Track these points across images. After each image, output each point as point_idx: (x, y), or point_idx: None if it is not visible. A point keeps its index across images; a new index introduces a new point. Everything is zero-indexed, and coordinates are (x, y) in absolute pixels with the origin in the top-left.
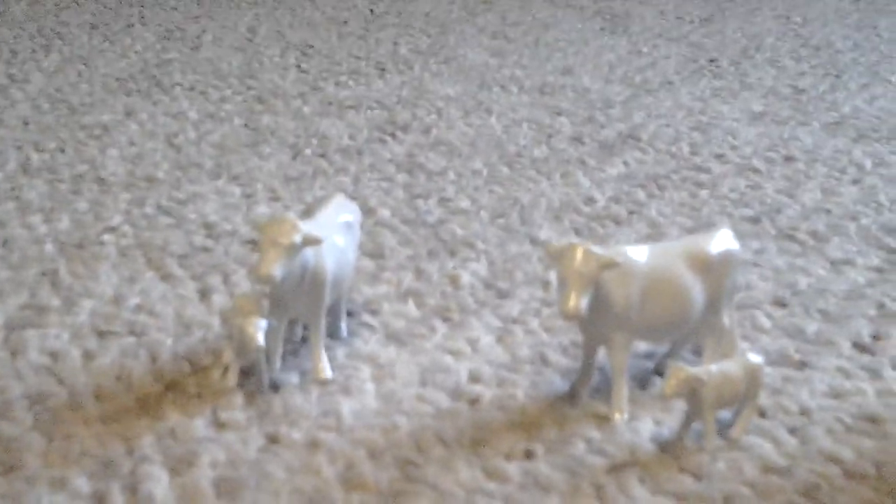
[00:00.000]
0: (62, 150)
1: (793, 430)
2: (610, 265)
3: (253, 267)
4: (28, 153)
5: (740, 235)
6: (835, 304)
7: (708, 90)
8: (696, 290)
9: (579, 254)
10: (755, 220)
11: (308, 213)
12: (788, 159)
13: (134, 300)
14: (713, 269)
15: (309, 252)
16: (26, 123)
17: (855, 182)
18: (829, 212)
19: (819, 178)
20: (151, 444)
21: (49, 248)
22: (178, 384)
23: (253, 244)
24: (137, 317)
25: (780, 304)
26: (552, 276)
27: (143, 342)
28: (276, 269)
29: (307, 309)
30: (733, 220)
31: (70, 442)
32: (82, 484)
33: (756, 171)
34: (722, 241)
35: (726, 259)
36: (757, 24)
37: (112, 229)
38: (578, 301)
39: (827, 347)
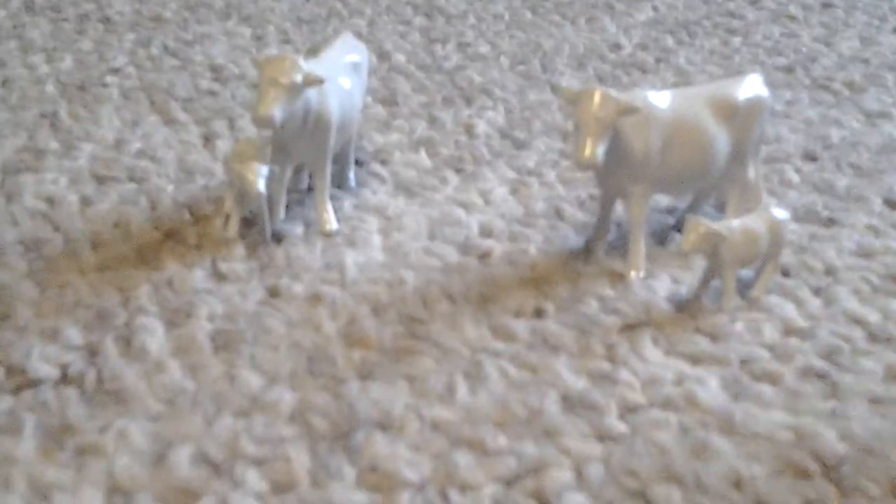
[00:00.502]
0: None
1: (817, 291)
2: (629, 111)
3: (251, 107)
4: None
5: (772, 85)
6: (868, 158)
7: None
8: (721, 139)
9: (597, 98)
10: (789, 70)
11: (313, 52)
12: (826, 6)
13: (135, 145)
14: (739, 117)
15: (312, 93)
16: None
17: (895, 31)
18: (866, 61)
19: (858, 26)
20: (148, 295)
21: (50, 88)
22: (177, 233)
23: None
24: (138, 162)
25: (811, 157)
26: (570, 125)
27: (143, 188)
28: (276, 109)
29: (311, 154)
30: (766, 69)
31: (64, 291)
32: (74, 335)
33: (792, 17)
34: (750, 87)
35: (754, 106)
36: None
37: (116, 70)
38: (595, 148)
39: (857, 203)
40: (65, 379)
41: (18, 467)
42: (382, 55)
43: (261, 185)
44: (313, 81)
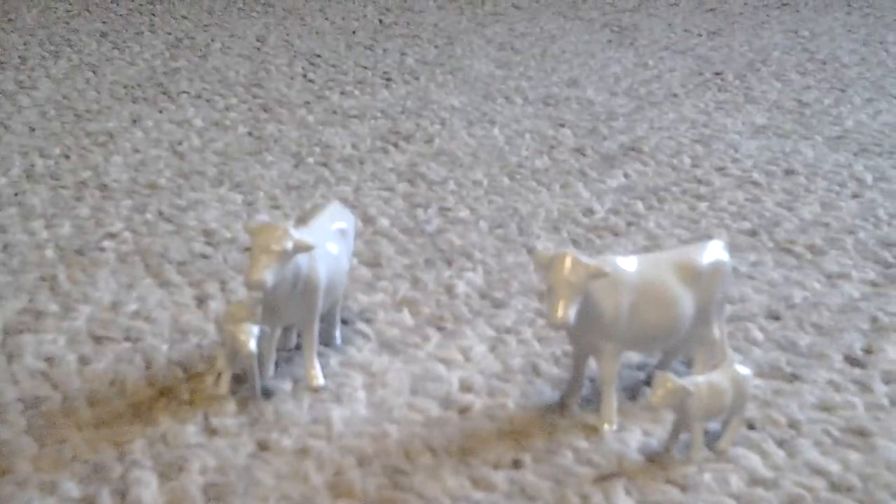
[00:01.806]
0: (67, 157)
1: (781, 443)
2: (598, 275)
3: (244, 273)
4: (33, 159)
5: (737, 248)
6: (828, 317)
7: (712, 103)
8: (686, 301)
9: (568, 262)
10: (753, 233)
11: (302, 220)
12: (789, 173)
13: (131, 306)
14: (703, 280)
15: (302, 259)
16: (32, 129)
17: (854, 196)
18: (827, 225)
19: (819, 191)
20: (142, 449)
21: (49, 253)
22: (171, 390)
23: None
24: (134, 323)
25: (774, 316)
26: (544, 286)
27: (138, 348)
28: (267, 274)
29: (300, 316)
30: (731, 233)
31: (62, 446)
32: (72, 488)
33: (756, 184)
34: (712, 252)
35: (716, 270)
36: (765, 38)
37: (112, 235)
38: (566, 310)
39: (819, 360)
40: None
41: None
42: (367, 219)
43: (252, 345)
44: (303, 248)
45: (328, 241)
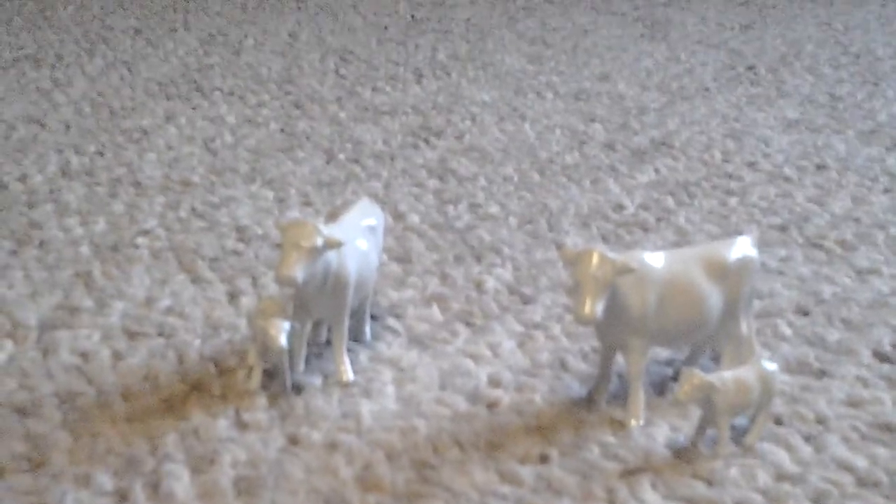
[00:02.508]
0: (101, 154)
1: (808, 438)
2: (625, 270)
3: (275, 269)
4: (68, 156)
5: (767, 244)
6: (858, 313)
7: (744, 97)
8: (714, 297)
9: (595, 258)
10: (783, 229)
11: (332, 216)
12: (820, 167)
13: (164, 302)
14: (731, 276)
15: (332, 255)
16: (68, 127)
17: (886, 191)
18: (858, 220)
19: (850, 186)
20: (175, 443)
21: (84, 249)
22: (203, 385)
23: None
24: (167, 318)
25: (803, 312)
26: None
27: (171, 343)
28: (297, 270)
29: (330, 311)
30: (761, 228)
31: (96, 440)
32: (106, 481)
33: (787, 179)
34: (740, 247)
35: (744, 266)
36: (798, 31)
37: (146, 232)
38: (593, 306)
39: (847, 356)
40: None
41: None
42: (398, 215)
43: (283, 341)
44: (333, 244)
45: (358, 237)
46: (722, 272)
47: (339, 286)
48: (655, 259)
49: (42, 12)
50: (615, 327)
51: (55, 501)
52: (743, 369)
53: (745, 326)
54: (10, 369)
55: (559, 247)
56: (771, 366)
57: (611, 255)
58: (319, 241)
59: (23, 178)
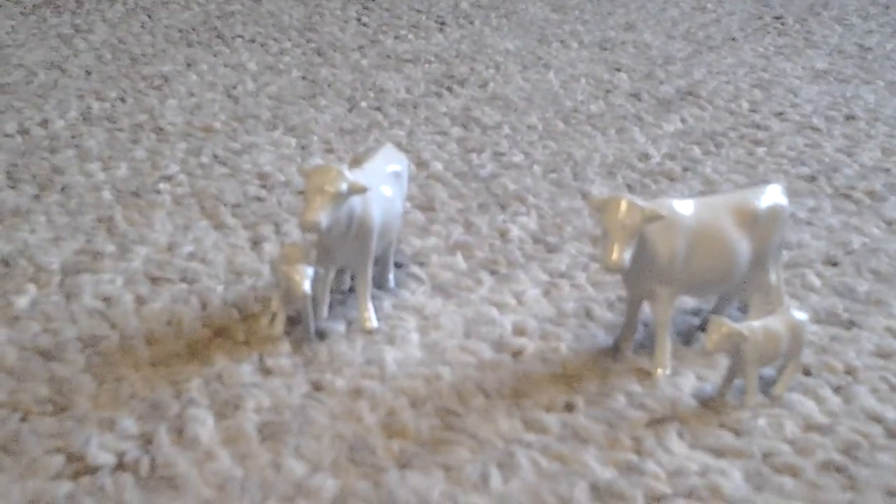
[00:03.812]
0: (123, 100)
1: (837, 389)
2: (654, 218)
3: (299, 214)
4: (89, 102)
5: (796, 194)
6: (887, 263)
7: (771, 47)
8: (743, 245)
9: (623, 206)
10: (812, 179)
11: (356, 162)
12: (849, 118)
13: (187, 248)
14: (760, 225)
15: (356, 201)
16: (89, 73)
17: None
18: (887, 171)
19: (879, 137)
20: (199, 388)
21: (106, 195)
22: (226, 330)
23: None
24: (190, 264)
25: (832, 262)
26: (599, 230)
27: (194, 289)
28: (322, 216)
29: (354, 258)
30: (789, 179)
31: (120, 384)
32: (130, 425)
33: (816, 129)
34: (770, 196)
35: (774, 214)
36: None
37: (168, 178)
38: (621, 254)
39: (876, 307)
40: (121, 466)
41: None
42: (421, 164)
43: (306, 287)
44: (357, 190)
45: (382, 183)
46: (752, 220)
47: (363, 232)
48: (684, 207)
49: None
50: (643, 276)
51: (80, 444)
52: (772, 319)
53: (774, 276)
54: (33, 313)
55: (584, 196)
56: (801, 315)
57: (639, 202)
58: (344, 187)
59: (44, 124)
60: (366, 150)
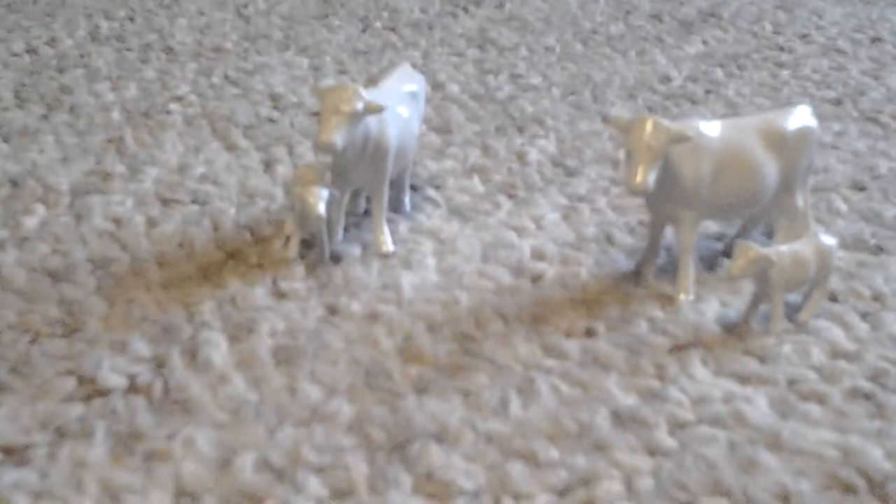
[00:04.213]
0: (131, 19)
1: (864, 315)
2: (680, 139)
3: (314, 135)
4: (97, 21)
5: (821, 117)
6: None
7: None
8: (770, 168)
9: (648, 126)
10: (837, 102)
11: (372, 81)
12: (876, 40)
13: (198, 169)
14: (788, 147)
15: (372, 121)
16: None
17: None
18: None
19: None
20: (212, 311)
21: (116, 115)
22: (239, 253)
23: (319, 115)
24: (201, 186)
25: (859, 187)
26: (621, 153)
27: (206, 211)
28: (337, 136)
29: (370, 179)
30: (814, 102)
31: (131, 306)
32: (142, 347)
33: (841, 51)
34: (799, 117)
35: (803, 136)
36: None
37: (179, 98)
38: (646, 175)
39: None
40: (133, 388)
41: (90, 471)
42: (436, 85)
43: (321, 209)
44: (374, 109)
45: (399, 103)
46: (779, 143)
47: (379, 153)
48: (711, 128)
49: None
50: (667, 199)
51: (91, 367)
52: (799, 243)
53: (801, 200)
54: (42, 234)
55: (605, 118)
56: (829, 240)
57: (665, 123)
58: (360, 106)
59: (52, 42)
60: (382, 70)
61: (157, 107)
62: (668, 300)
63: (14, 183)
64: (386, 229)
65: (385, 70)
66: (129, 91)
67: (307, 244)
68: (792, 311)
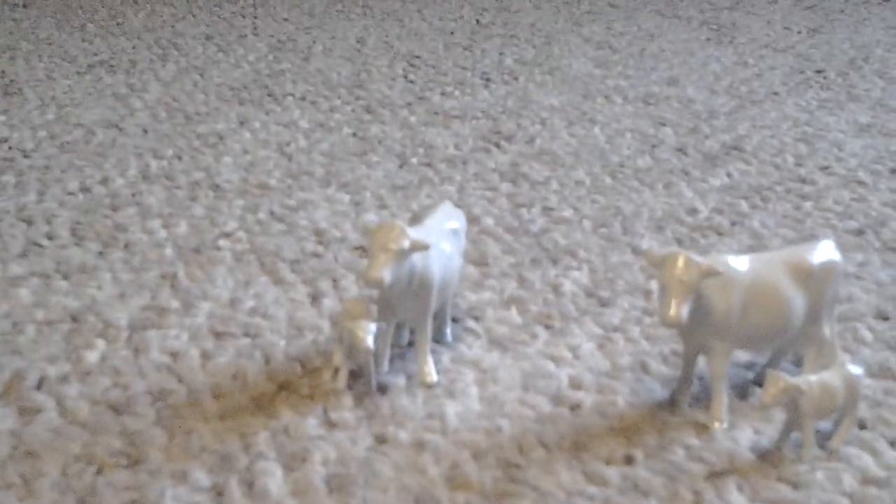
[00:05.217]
0: (179, 158)
1: (893, 443)
2: (711, 273)
3: (363, 271)
4: (147, 160)
5: (844, 248)
6: None
7: (814, 101)
8: (797, 300)
9: (681, 262)
10: (859, 233)
11: (415, 219)
12: (895, 171)
13: (249, 303)
14: (814, 280)
15: (417, 257)
16: (145, 131)
17: None
18: None
19: None
20: (266, 441)
21: (168, 251)
22: (290, 384)
23: (361, 250)
24: (252, 319)
25: (883, 316)
26: (653, 285)
27: (257, 343)
28: (386, 273)
29: (414, 313)
30: (837, 233)
31: (190, 437)
32: (202, 477)
33: (861, 183)
34: (823, 251)
35: (828, 270)
36: (866, 35)
37: (227, 234)
38: (679, 309)
39: None
40: None
41: None
42: (472, 219)
43: (370, 342)
44: (419, 247)
45: (442, 240)
46: (806, 276)
47: (423, 288)
48: (740, 262)
49: (114, 19)
50: (699, 330)
51: (155, 497)
52: (828, 373)
53: (828, 330)
54: (103, 368)
55: (635, 250)
56: (856, 369)
57: (696, 258)
58: (406, 244)
59: (105, 182)
60: (424, 207)
61: (207, 243)
62: (702, 428)
63: (74, 318)
64: (430, 360)
65: (427, 207)
66: (180, 228)
67: (354, 375)
68: (823, 439)
